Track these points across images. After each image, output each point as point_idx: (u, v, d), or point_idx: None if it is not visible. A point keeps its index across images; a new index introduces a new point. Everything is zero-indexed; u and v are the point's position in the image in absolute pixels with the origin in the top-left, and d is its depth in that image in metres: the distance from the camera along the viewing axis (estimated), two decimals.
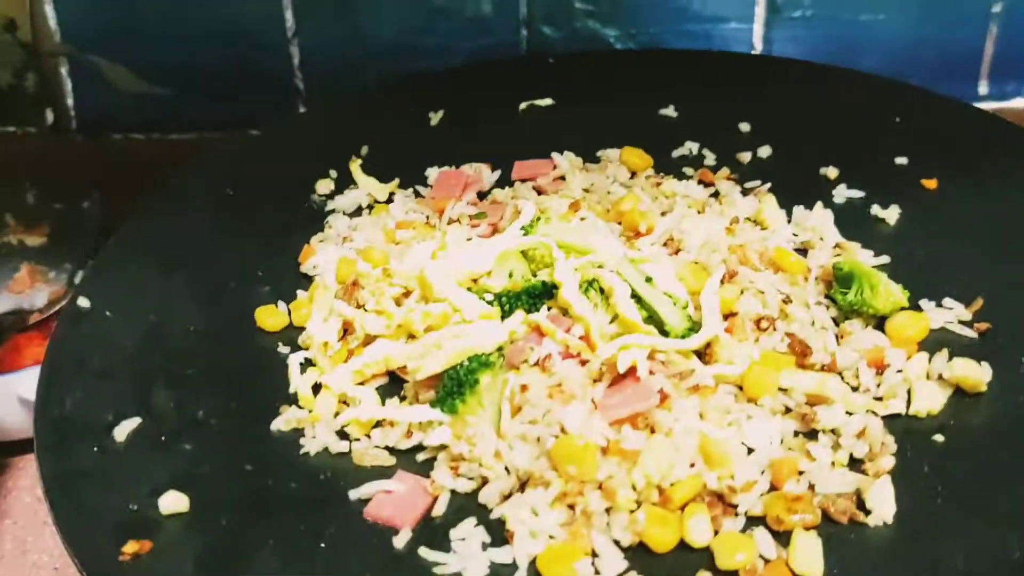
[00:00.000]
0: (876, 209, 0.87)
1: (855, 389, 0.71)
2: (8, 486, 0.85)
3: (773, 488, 0.65)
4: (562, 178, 0.93)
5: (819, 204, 0.86)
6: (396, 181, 0.95)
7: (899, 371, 0.71)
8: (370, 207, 0.93)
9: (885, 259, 0.81)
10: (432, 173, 0.95)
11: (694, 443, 0.66)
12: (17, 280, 0.94)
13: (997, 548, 0.60)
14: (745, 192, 0.90)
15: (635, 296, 0.75)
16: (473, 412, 0.69)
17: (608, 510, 0.64)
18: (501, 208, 0.88)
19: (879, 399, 0.70)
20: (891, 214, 0.86)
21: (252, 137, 1.02)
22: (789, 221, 0.86)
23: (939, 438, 0.67)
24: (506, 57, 1.13)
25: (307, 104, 1.15)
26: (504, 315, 0.75)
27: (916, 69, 1.08)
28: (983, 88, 1.11)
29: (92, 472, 0.68)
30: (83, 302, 0.80)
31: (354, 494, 0.67)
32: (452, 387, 0.70)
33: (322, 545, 0.64)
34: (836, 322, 0.77)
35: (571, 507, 0.64)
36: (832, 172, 0.91)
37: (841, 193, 0.89)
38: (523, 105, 1.04)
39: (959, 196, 0.87)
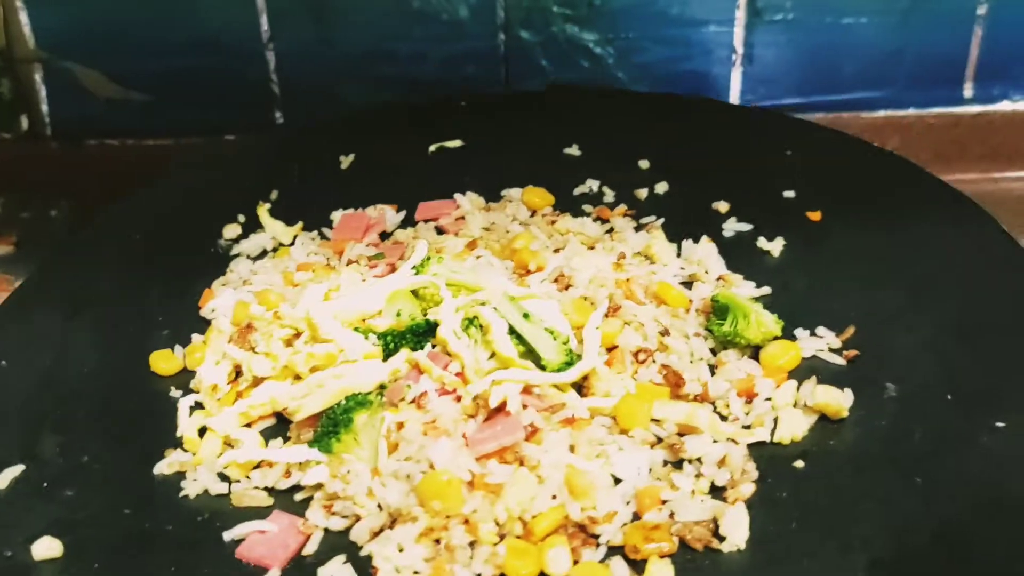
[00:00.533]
0: (762, 241, 0.89)
1: (726, 418, 0.73)
2: None
3: (637, 518, 0.66)
4: (464, 218, 0.95)
5: (704, 238, 0.88)
6: (300, 224, 0.96)
7: (767, 399, 0.73)
8: (275, 250, 0.95)
9: (766, 290, 0.83)
10: (337, 216, 0.97)
11: (560, 475, 0.67)
12: None
13: (846, 571, 0.61)
14: (639, 228, 0.92)
15: (515, 332, 0.76)
16: (349, 450, 0.70)
17: (473, 544, 0.65)
18: (401, 248, 0.90)
19: (748, 427, 0.72)
20: (776, 246, 0.88)
21: (164, 181, 1.04)
22: (679, 255, 0.88)
23: (799, 464, 0.69)
24: (417, 99, 1.15)
25: (283, 109, 1.17)
26: (389, 354, 0.77)
27: (900, 72, 1.09)
28: (968, 91, 1.11)
29: None
30: None
31: (228, 535, 0.68)
32: (328, 426, 0.71)
33: None
34: (714, 353, 0.78)
35: (437, 542, 0.65)
36: (723, 206, 0.93)
37: (731, 226, 0.91)
38: (433, 147, 1.06)
39: (842, 228, 0.89)
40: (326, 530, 0.68)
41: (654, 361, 0.77)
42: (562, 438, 0.70)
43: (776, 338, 0.77)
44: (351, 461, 0.70)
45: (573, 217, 0.93)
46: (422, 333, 0.78)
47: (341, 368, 0.75)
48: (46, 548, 0.67)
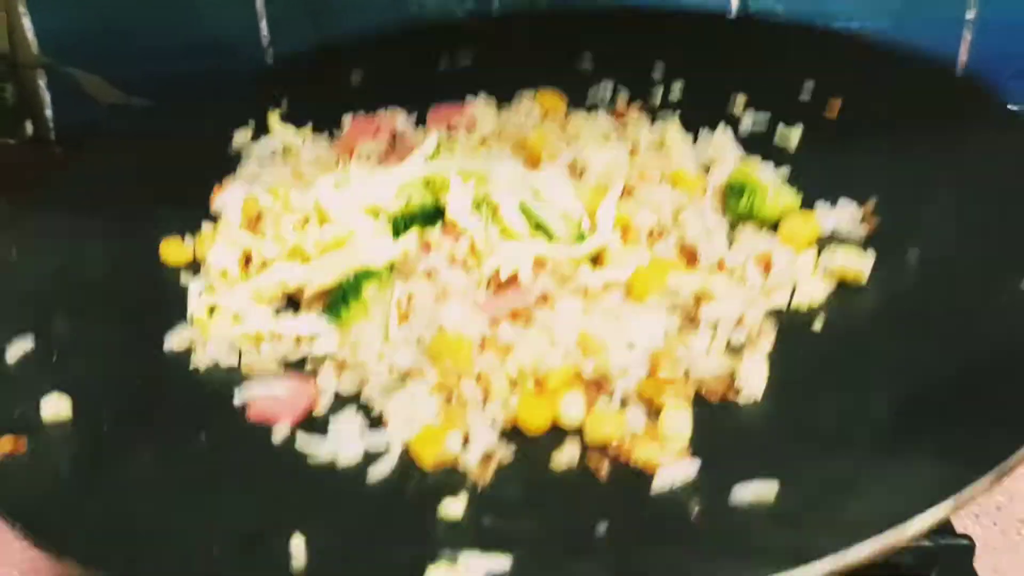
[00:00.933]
0: (780, 129, 0.87)
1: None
2: None
3: (650, 375, 0.65)
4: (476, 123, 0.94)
5: (721, 125, 0.87)
6: (310, 126, 0.96)
7: (785, 269, 0.71)
8: (285, 152, 0.94)
9: (784, 170, 0.81)
10: (348, 119, 0.96)
11: (572, 336, 0.66)
12: None
13: (866, 408, 0.60)
14: (653, 120, 0.90)
15: (526, 214, 0.75)
16: (358, 320, 0.69)
17: (485, 400, 0.64)
18: (411, 148, 0.89)
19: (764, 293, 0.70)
20: (794, 133, 0.87)
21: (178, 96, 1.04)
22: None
23: (817, 326, 0.67)
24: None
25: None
26: (399, 234, 0.76)
27: None
28: None
29: None
30: None
31: (239, 397, 0.67)
32: (338, 296, 0.70)
33: (202, 440, 0.64)
34: (732, 228, 0.77)
35: (447, 398, 0.64)
36: (740, 100, 0.92)
37: (747, 118, 0.90)
38: (444, 64, 1.05)
39: (861, 115, 0.87)
40: (336, 394, 0.67)
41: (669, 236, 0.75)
42: (575, 305, 0.69)
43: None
44: (361, 329, 0.69)
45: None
46: (432, 216, 0.76)
47: (351, 246, 0.75)
48: (55, 406, 0.66)
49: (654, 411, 0.62)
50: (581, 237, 0.74)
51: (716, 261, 0.72)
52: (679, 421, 0.60)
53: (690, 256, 0.73)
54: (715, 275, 0.71)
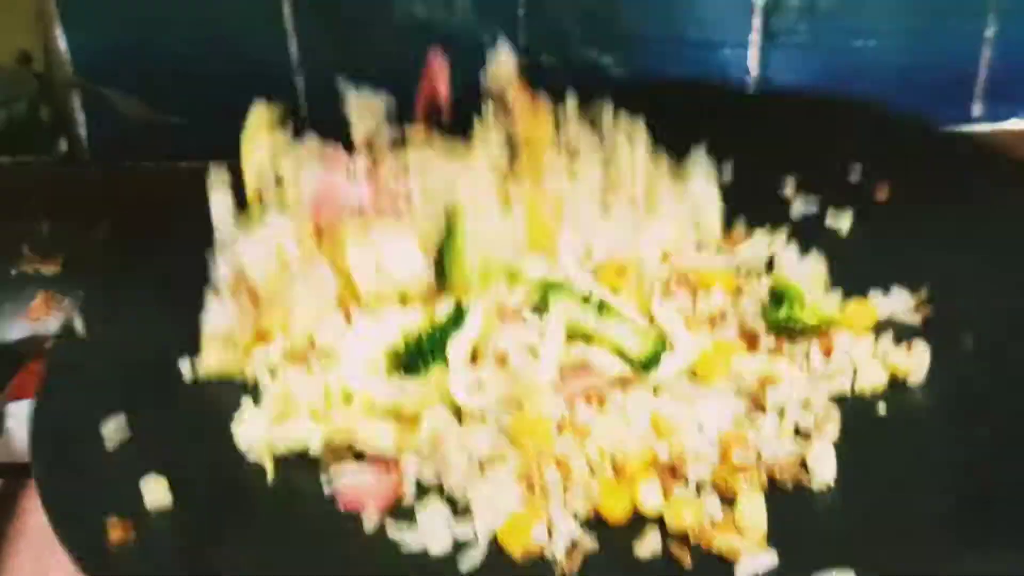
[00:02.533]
0: (830, 219, 0.91)
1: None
2: (25, 506, 0.87)
3: (723, 460, 0.68)
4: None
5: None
6: None
7: (846, 353, 0.75)
8: None
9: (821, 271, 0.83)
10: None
11: (646, 418, 0.69)
12: (33, 308, 1.00)
13: (931, 506, 0.63)
14: None
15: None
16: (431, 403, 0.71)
17: (564, 485, 0.67)
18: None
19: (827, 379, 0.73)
20: (844, 223, 0.90)
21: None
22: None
23: (881, 411, 0.70)
24: None
25: (313, 130, 1.13)
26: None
27: (910, 92, 1.10)
28: (977, 110, 1.13)
29: (83, 470, 0.72)
30: (77, 324, 0.85)
31: (327, 486, 0.70)
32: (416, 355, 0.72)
33: (297, 527, 0.67)
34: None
35: (529, 486, 0.67)
36: (789, 187, 0.95)
37: (797, 208, 0.93)
38: None
39: (910, 204, 0.90)
40: (419, 483, 0.70)
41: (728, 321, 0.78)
42: (646, 390, 0.72)
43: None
44: (436, 416, 0.72)
45: None
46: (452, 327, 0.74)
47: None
48: (156, 494, 0.69)
49: (730, 498, 0.65)
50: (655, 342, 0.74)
51: (777, 345, 0.76)
52: (755, 510, 0.63)
53: (751, 340, 0.77)
54: (778, 358, 0.74)
